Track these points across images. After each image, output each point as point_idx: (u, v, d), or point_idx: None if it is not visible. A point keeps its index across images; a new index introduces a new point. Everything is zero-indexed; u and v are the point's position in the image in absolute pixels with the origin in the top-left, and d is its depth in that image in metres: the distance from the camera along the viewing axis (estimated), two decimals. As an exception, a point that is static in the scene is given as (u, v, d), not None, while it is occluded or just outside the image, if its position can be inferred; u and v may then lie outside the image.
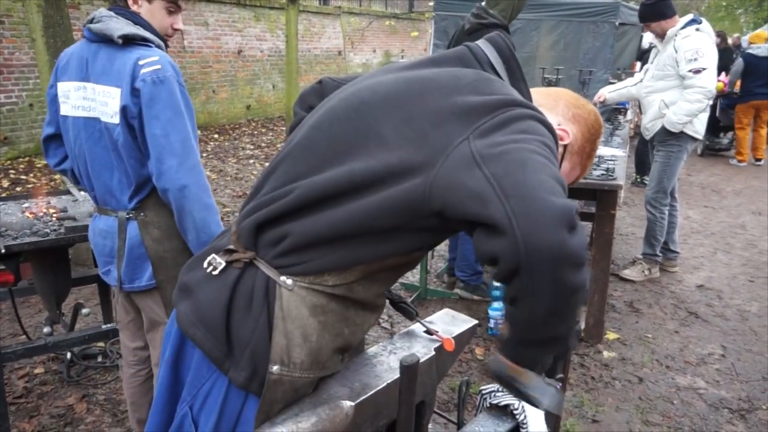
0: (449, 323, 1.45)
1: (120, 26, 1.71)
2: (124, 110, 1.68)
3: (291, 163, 1.10)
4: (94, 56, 1.75)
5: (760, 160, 8.41)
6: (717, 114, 8.41)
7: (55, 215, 2.46)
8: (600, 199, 3.19)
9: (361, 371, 1.20)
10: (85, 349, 2.97)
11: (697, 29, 3.89)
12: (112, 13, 1.76)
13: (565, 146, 1.21)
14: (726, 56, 8.92)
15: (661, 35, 4.04)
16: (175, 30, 1.89)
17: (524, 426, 1.28)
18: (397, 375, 1.16)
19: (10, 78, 7.44)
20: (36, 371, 2.89)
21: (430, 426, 1.41)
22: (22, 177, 6.63)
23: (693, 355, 3.28)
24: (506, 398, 1.31)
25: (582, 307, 0.94)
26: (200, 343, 1.08)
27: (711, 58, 3.83)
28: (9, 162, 7.30)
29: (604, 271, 3.21)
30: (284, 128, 10.52)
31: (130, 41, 1.71)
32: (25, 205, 2.59)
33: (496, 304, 3.38)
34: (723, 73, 8.33)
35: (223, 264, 1.10)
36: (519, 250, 0.85)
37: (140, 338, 2.09)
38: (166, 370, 1.19)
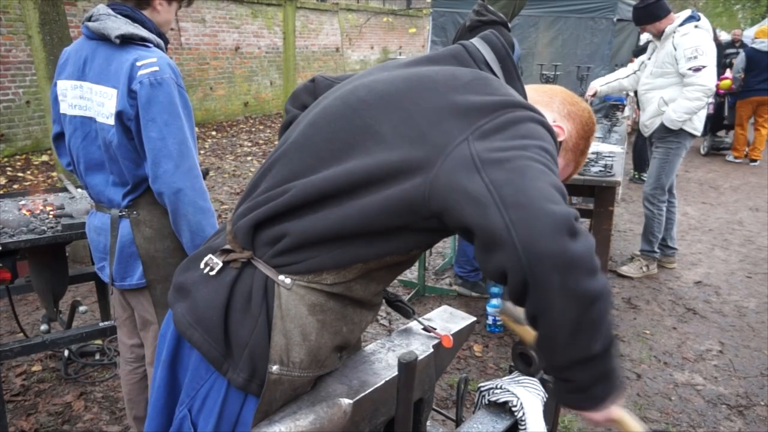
0: (448, 320, 1.45)
1: (118, 26, 1.68)
2: (120, 112, 1.66)
3: (287, 162, 1.09)
4: (93, 55, 1.73)
5: (755, 161, 8.25)
6: (725, 112, 8.27)
7: (52, 213, 2.45)
8: (598, 196, 3.19)
9: (360, 369, 1.20)
10: (82, 346, 2.98)
11: (696, 26, 3.84)
12: (110, 11, 1.72)
13: (560, 143, 1.21)
14: (718, 53, 8.85)
15: (657, 35, 4.00)
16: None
17: (523, 423, 1.28)
18: (395, 372, 1.16)
19: (6, 75, 7.42)
20: (33, 369, 2.89)
21: (428, 423, 1.40)
22: (19, 174, 6.61)
23: (691, 352, 3.29)
24: (505, 395, 1.31)
25: (612, 318, 0.92)
26: (198, 345, 1.07)
27: (711, 55, 3.80)
28: (6, 159, 7.28)
29: (601, 268, 3.21)
30: (282, 125, 10.50)
31: (128, 41, 1.69)
32: (22, 202, 2.58)
33: (495, 301, 3.38)
34: (728, 70, 8.25)
35: (221, 264, 1.09)
36: (520, 260, 0.84)
37: (137, 335, 2.08)
38: (163, 371, 1.18)
